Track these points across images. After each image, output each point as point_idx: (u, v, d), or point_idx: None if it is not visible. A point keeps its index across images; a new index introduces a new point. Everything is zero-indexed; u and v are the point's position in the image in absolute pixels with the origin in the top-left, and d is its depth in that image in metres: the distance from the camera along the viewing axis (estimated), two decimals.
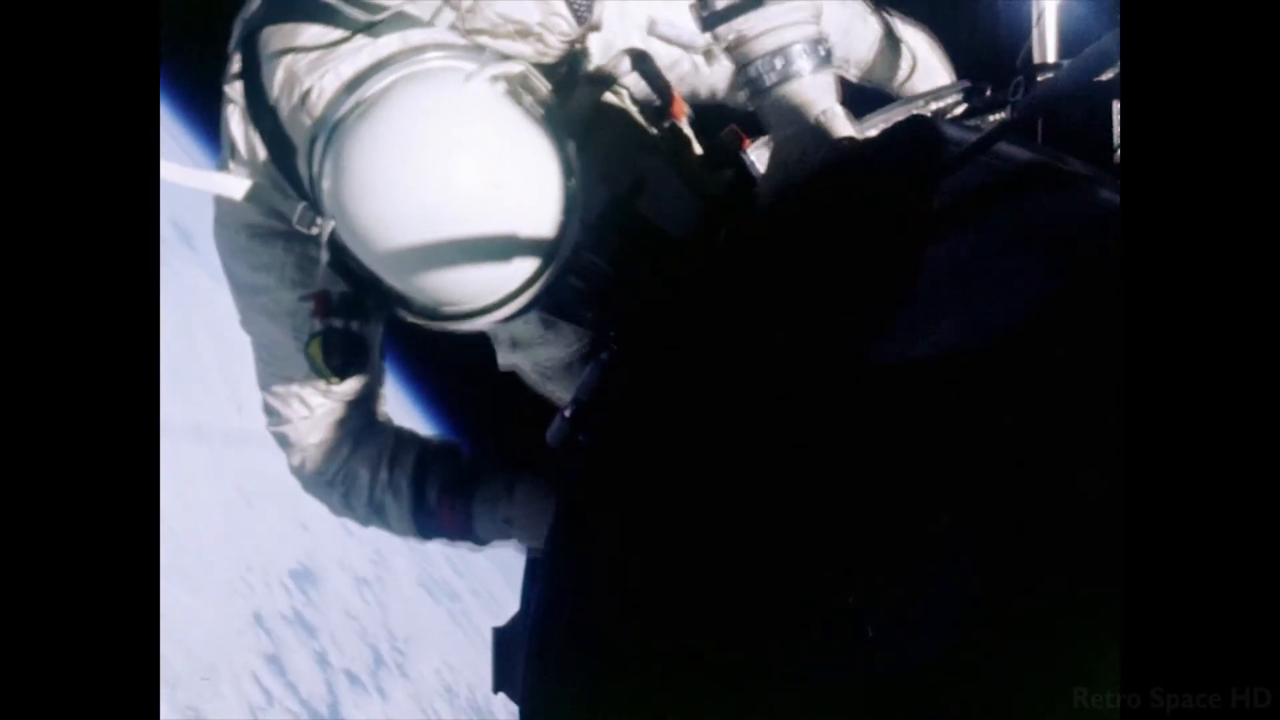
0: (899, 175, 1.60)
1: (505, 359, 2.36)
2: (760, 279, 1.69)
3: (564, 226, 1.78)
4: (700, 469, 1.55)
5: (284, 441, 2.16)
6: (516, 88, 1.80)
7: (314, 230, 1.80)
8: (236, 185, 1.90)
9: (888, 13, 2.35)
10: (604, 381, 1.97)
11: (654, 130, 2.06)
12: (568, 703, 1.62)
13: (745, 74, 1.86)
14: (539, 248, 1.77)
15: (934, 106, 2.17)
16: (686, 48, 2.05)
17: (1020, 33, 2.10)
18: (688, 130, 2.12)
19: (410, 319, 1.87)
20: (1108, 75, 1.60)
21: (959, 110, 2.18)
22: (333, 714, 12.63)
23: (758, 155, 2.06)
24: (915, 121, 1.75)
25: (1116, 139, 1.77)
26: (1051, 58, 2.08)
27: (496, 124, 1.76)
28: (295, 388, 2.08)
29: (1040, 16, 2.07)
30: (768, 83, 1.83)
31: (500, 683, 2.01)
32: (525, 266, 1.77)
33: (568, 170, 1.79)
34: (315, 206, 1.82)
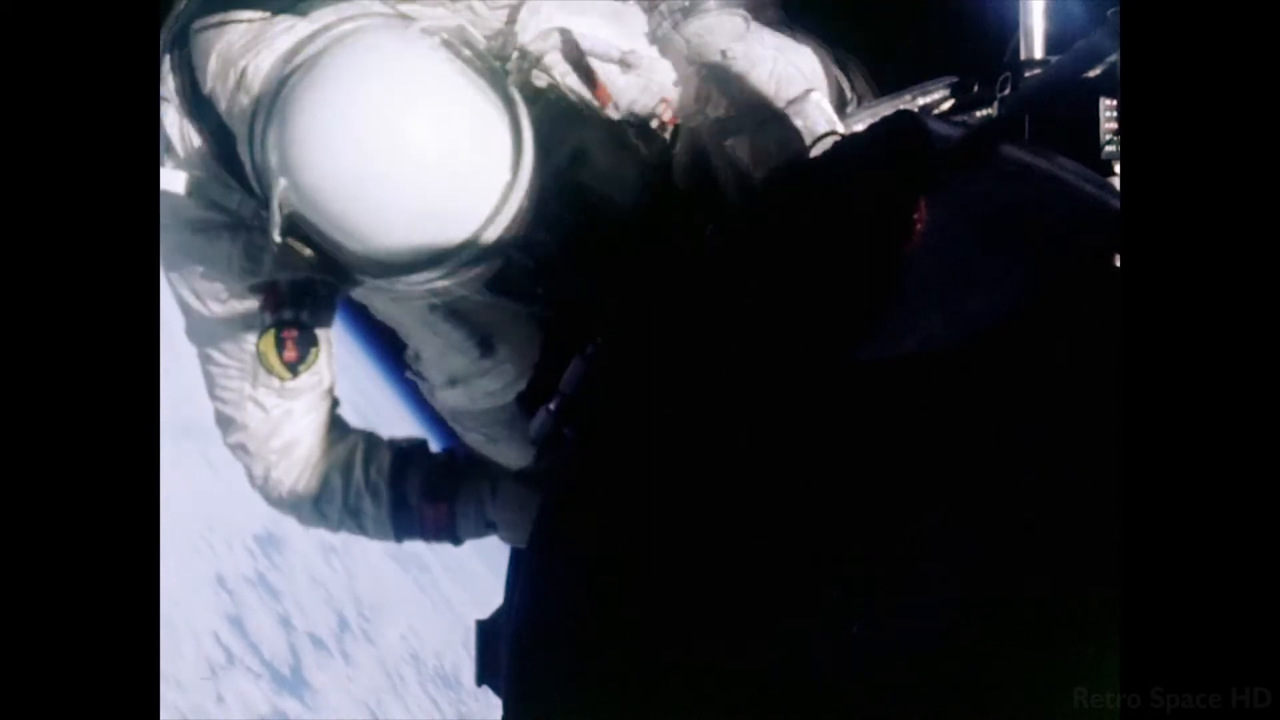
0: (885, 171, 1.60)
1: (444, 399, 2.35)
2: (746, 274, 1.69)
3: (517, 165, 1.76)
4: (685, 464, 1.54)
5: (244, 451, 2.09)
6: (454, 41, 1.78)
7: (266, 210, 1.76)
8: (176, 179, 1.86)
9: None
10: (589, 375, 1.96)
11: (585, 103, 2.07)
12: (551, 697, 1.60)
13: (654, 19, 1.97)
14: (495, 186, 1.74)
15: (921, 102, 2.17)
16: (602, 58, 2.05)
17: (1007, 29, 2.10)
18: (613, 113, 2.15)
19: (369, 282, 1.83)
20: (1095, 72, 1.61)
21: (946, 106, 2.18)
22: (295, 676, 12.55)
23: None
24: (901, 117, 1.75)
25: (1104, 135, 1.78)
26: (1039, 54, 2.08)
27: (438, 71, 1.74)
28: (248, 389, 2.02)
29: (1027, 12, 2.07)
30: (672, 23, 1.96)
31: (484, 675, 1.99)
32: (483, 206, 1.74)
33: (513, 114, 1.77)
34: (260, 189, 1.78)
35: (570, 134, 1.85)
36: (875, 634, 1.26)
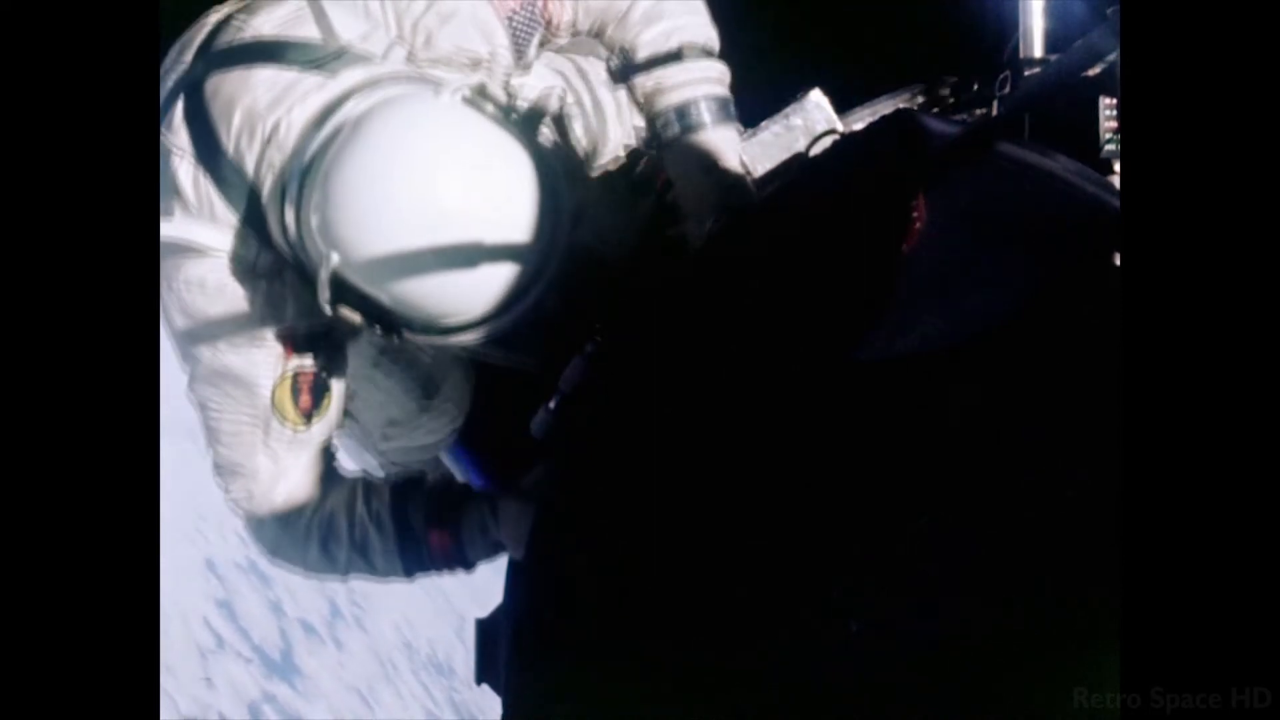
0: (884, 170, 1.60)
1: (382, 445, 2.37)
2: (746, 274, 1.69)
3: (555, 224, 1.78)
4: (685, 464, 1.54)
5: (249, 500, 2.04)
6: (477, 99, 1.80)
7: (295, 263, 1.77)
8: (191, 230, 1.86)
9: None
10: (589, 375, 1.96)
11: (583, 160, 2.12)
12: (551, 696, 1.60)
13: (653, 123, 2.04)
14: (536, 247, 1.75)
15: (920, 101, 2.17)
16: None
17: (1007, 29, 2.10)
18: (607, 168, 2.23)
19: (412, 338, 1.84)
20: (1095, 71, 1.61)
21: (946, 105, 2.19)
22: (285, 660, 12.51)
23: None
24: (901, 115, 1.75)
25: (1104, 135, 1.78)
26: (1038, 53, 2.09)
27: (483, 138, 1.75)
28: (260, 437, 1.98)
29: (1027, 12, 2.08)
30: (671, 133, 2.01)
31: (483, 674, 1.99)
32: (525, 267, 1.76)
33: (547, 170, 1.79)
34: (292, 245, 1.79)
35: (573, 192, 1.86)
36: (875, 634, 1.26)
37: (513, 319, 1.79)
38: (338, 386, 2.02)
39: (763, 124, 2.27)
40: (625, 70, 2.05)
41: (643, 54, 2.02)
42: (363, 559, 2.08)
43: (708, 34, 2.05)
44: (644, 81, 2.02)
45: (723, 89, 2.03)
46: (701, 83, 2.01)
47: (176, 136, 1.86)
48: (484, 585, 2.10)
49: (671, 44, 2.01)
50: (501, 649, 1.86)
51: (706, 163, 2.00)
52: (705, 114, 1.99)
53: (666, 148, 2.04)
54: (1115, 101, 1.80)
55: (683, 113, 2.00)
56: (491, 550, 2.08)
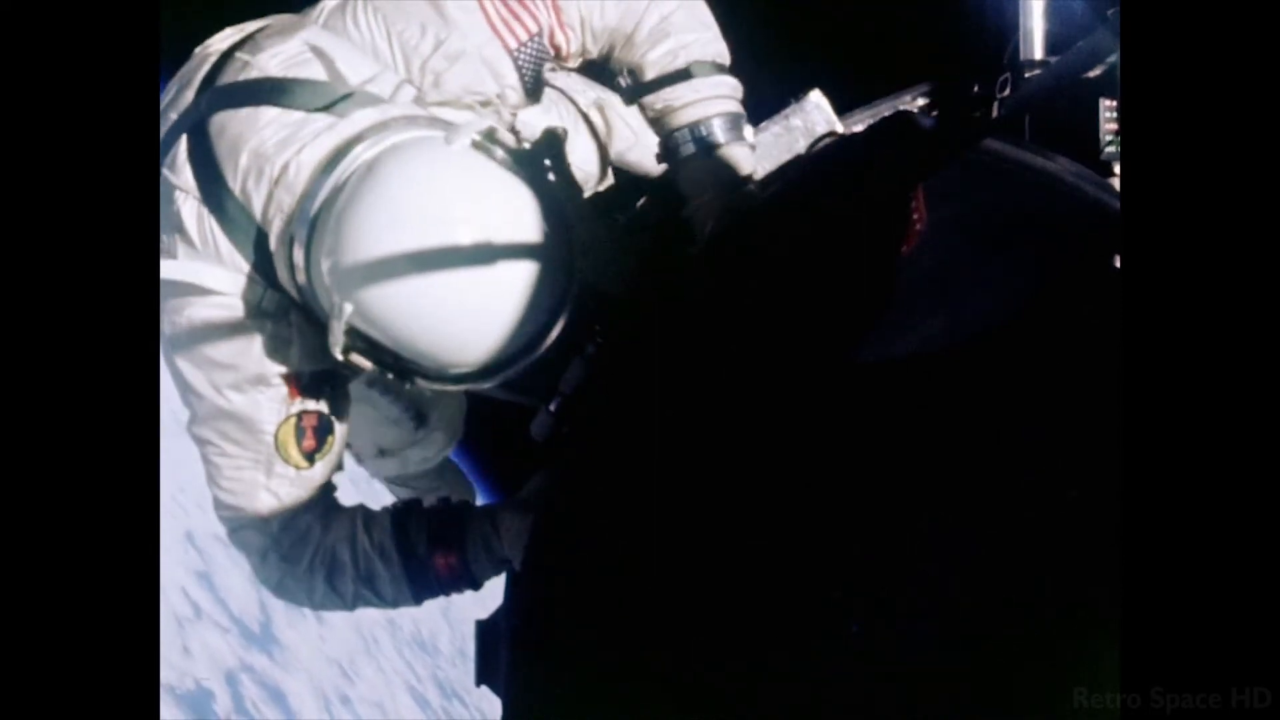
0: (883, 172, 1.60)
1: (374, 468, 2.37)
2: (746, 275, 1.69)
3: (570, 271, 1.77)
4: (685, 465, 1.53)
5: (250, 539, 2.04)
6: (486, 144, 1.78)
7: (325, 306, 1.76)
8: (196, 272, 1.84)
9: None
10: (589, 375, 1.96)
11: (584, 197, 2.12)
12: (551, 697, 1.60)
13: (666, 142, 2.02)
14: (552, 295, 1.75)
15: (920, 102, 2.17)
16: None
17: (1007, 29, 2.11)
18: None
19: (424, 385, 1.84)
20: (1095, 72, 1.61)
21: (945, 106, 2.19)
22: (265, 632, 12.44)
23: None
24: (901, 118, 1.75)
25: (1104, 135, 1.78)
26: (1039, 54, 2.09)
27: (488, 184, 1.74)
28: (262, 479, 1.96)
29: (1027, 13, 2.08)
30: (685, 152, 1.99)
31: (483, 676, 1.98)
32: (541, 316, 1.76)
33: (559, 215, 1.78)
34: (301, 287, 1.78)
35: (580, 231, 1.85)
36: (875, 634, 1.26)
37: (525, 366, 1.79)
38: (340, 428, 2.01)
39: (763, 125, 2.28)
40: (635, 90, 2.03)
41: (651, 74, 2.00)
42: (370, 590, 2.07)
43: (717, 48, 2.03)
44: (653, 101, 2.01)
45: (734, 105, 2.01)
46: (712, 100, 1.99)
47: (179, 176, 1.84)
48: (488, 589, 2.10)
49: (679, 62, 1.99)
50: (501, 650, 1.85)
51: (719, 182, 1.98)
52: (717, 133, 1.98)
53: (680, 167, 2.02)
54: (1115, 103, 1.80)
55: (695, 132, 1.98)
56: (498, 567, 2.06)
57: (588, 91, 2.29)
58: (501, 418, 2.28)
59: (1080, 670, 1.08)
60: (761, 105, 2.24)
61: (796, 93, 2.27)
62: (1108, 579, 1.04)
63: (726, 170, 1.98)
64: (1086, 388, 1.26)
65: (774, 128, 2.27)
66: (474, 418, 2.40)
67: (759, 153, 2.20)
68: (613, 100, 2.29)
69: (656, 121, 2.03)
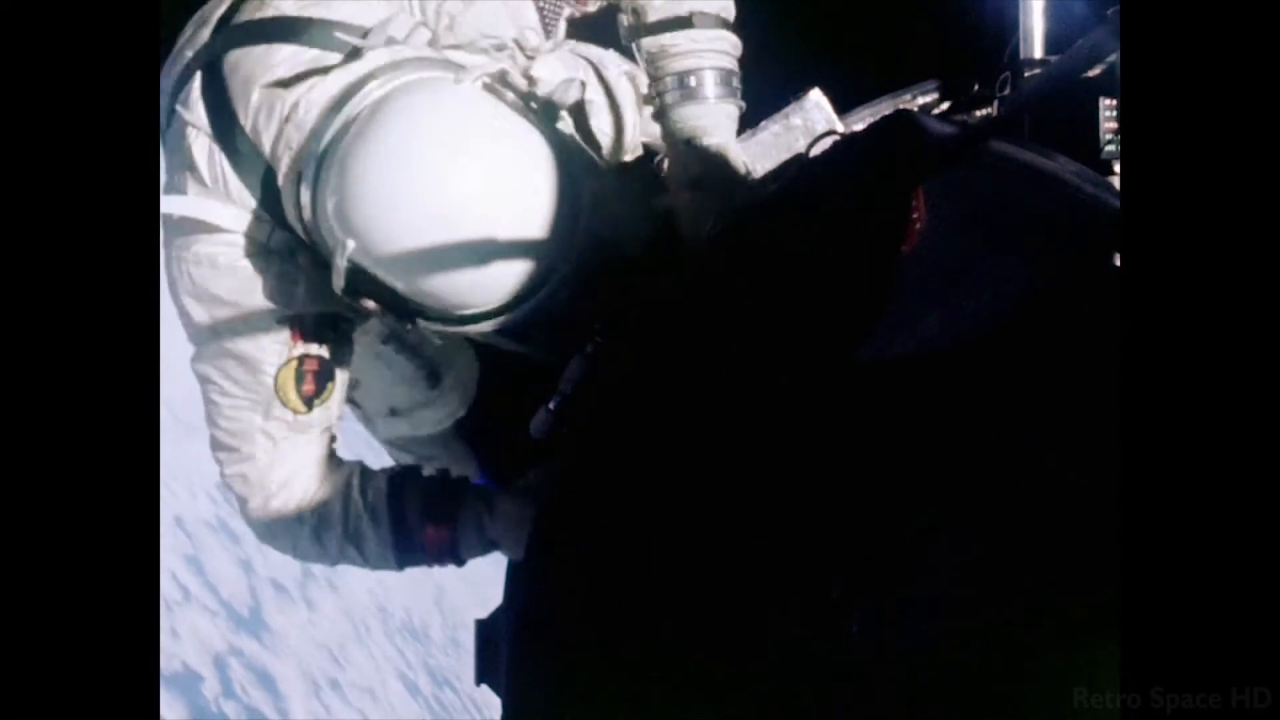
0: (883, 171, 1.60)
1: (384, 428, 2.36)
2: (745, 274, 1.69)
3: (574, 216, 1.77)
4: (684, 463, 1.53)
5: (244, 482, 2.03)
6: (496, 86, 1.79)
7: (308, 247, 1.75)
8: (204, 208, 1.84)
9: None
10: (589, 375, 1.96)
11: (601, 152, 2.10)
12: (551, 697, 1.60)
13: (656, 88, 2.01)
14: (554, 239, 1.75)
15: (920, 102, 2.17)
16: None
17: (1007, 29, 2.11)
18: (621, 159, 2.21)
19: (426, 326, 1.84)
20: (1095, 72, 1.61)
21: (945, 106, 2.19)
22: (254, 617, 12.40)
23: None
24: (901, 117, 1.75)
25: (1104, 135, 1.78)
26: (1039, 54, 2.09)
27: (495, 124, 1.74)
28: (259, 421, 1.96)
29: (1027, 13, 2.08)
30: (672, 100, 1.99)
31: (483, 674, 1.99)
32: (543, 259, 1.75)
33: (567, 161, 1.77)
34: (307, 228, 1.78)
35: (592, 183, 1.85)
36: (875, 634, 1.26)
37: (528, 311, 1.78)
38: (341, 376, 2.01)
39: (762, 124, 2.27)
40: (634, 30, 2.02)
41: (653, 16, 1.99)
42: (355, 548, 2.07)
43: (723, 3, 2.02)
44: (650, 45, 2.00)
45: (730, 61, 2.00)
46: (709, 53, 1.98)
47: (192, 112, 1.85)
48: (484, 585, 2.09)
49: (682, 9, 1.98)
50: (501, 649, 1.86)
51: (696, 135, 1.99)
52: (707, 85, 1.97)
53: (663, 114, 2.02)
54: (1115, 102, 1.80)
55: (683, 80, 1.98)
56: (485, 549, 2.07)
57: (621, 64, 2.27)
58: (502, 414, 2.28)
59: (1080, 670, 1.08)
60: (761, 104, 2.24)
61: (796, 91, 2.27)
62: (1107, 578, 1.04)
63: (704, 127, 1.98)
64: (1086, 387, 1.26)
65: (773, 126, 2.27)
66: (474, 411, 2.40)
67: (759, 152, 2.20)
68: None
69: (649, 64, 2.02)
